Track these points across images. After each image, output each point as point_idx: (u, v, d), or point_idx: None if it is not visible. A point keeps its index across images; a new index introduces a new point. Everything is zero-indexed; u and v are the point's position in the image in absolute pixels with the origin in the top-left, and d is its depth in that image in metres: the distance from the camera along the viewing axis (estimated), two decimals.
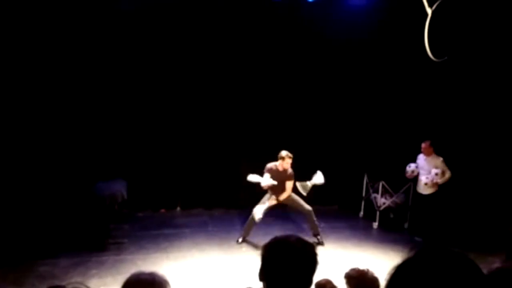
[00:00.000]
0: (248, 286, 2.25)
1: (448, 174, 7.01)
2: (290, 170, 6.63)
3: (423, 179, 7.12)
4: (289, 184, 6.63)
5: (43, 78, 6.91)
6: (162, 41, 7.60)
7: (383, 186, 8.03)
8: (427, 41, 5.39)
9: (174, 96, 7.86)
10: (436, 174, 7.03)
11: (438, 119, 7.85)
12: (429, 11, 5.34)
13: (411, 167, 7.38)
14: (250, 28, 7.92)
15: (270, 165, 6.69)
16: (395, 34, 7.92)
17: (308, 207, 6.72)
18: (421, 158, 7.33)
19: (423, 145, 7.21)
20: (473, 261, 0.93)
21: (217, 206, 8.33)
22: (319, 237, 6.77)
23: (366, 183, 8.48)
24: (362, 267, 2.96)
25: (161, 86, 7.78)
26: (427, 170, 7.16)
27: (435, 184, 7.05)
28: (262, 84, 8.22)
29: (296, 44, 8.20)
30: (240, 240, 6.74)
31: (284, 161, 6.55)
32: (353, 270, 2.93)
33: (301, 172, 6.92)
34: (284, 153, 6.58)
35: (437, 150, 7.22)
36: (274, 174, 6.57)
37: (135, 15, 7.27)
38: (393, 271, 0.96)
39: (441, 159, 7.07)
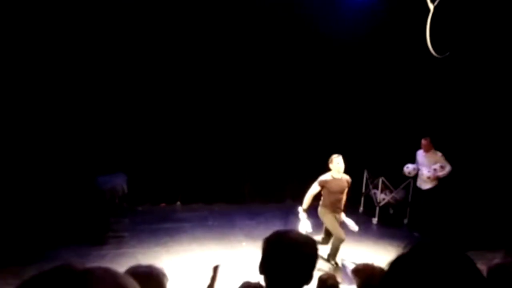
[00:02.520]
0: (246, 281, 2.26)
1: (448, 168, 7.08)
2: (345, 176, 5.91)
3: (425, 173, 7.14)
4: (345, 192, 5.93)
5: (44, 73, 6.89)
6: (161, 36, 7.58)
7: (383, 182, 8.04)
8: (429, 37, 5.37)
9: (175, 91, 7.86)
10: (435, 169, 7.08)
11: (438, 115, 7.84)
12: (431, 6, 5.32)
13: (408, 168, 7.38)
14: (250, 25, 7.91)
15: (324, 177, 5.85)
16: (397, 30, 7.89)
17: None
18: (420, 154, 7.36)
19: (423, 141, 7.23)
20: (468, 256, 0.93)
21: (218, 201, 8.34)
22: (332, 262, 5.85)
23: (366, 179, 8.48)
24: (367, 261, 2.99)
25: (161, 81, 7.77)
26: (427, 166, 7.19)
27: (436, 178, 7.11)
28: (262, 79, 8.22)
29: (297, 42, 8.18)
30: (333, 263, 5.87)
31: (332, 163, 5.80)
32: (359, 264, 2.96)
33: (303, 168, 6.92)
34: (333, 156, 5.90)
35: (437, 146, 7.23)
36: (333, 186, 5.81)
37: (136, 11, 7.24)
38: (388, 266, 0.96)
39: (440, 154, 7.14)
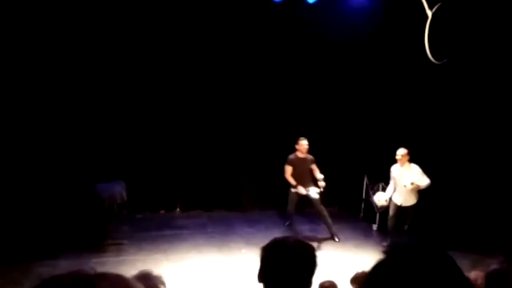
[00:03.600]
0: None
1: (427, 181, 6.53)
2: (310, 156, 7.03)
3: (404, 183, 6.43)
4: (314, 168, 7.01)
5: (44, 79, 6.91)
6: (163, 42, 7.61)
7: (383, 187, 8.02)
8: (427, 43, 5.40)
9: (174, 97, 7.87)
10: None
11: (439, 120, 7.83)
12: (429, 13, 5.35)
13: (380, 200, 6.84)
14: (250, 29, 7.93)
15: (290, 156, 6.99)
16: (395, 37, 7.92)
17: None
18: (396, 169, 6.69)
19: (401, 153, 6.50)
20: (448, 256, 0.92)
21: (217, 208, 8.32)
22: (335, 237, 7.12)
23: (366, 184, 8.47)
24: (364, 269, 2.97)
25: (161, 87, 7.78)
26: (404, 178, 6.53)
27: (416, 188, 6.50)
28: (262, 85, 8.23)
29: (297, 45, 8.20)
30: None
31: (299, 145, 6.91)
32: (357, 272, 2.94)
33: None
34: (300, 138, 6.99)
35: (438, 151, 7.14)
36: (296, 163, 6.92)
37: (136, 15, 7.27)
38: (369, 271, 0.96)
39: (417, 167, 6.57)
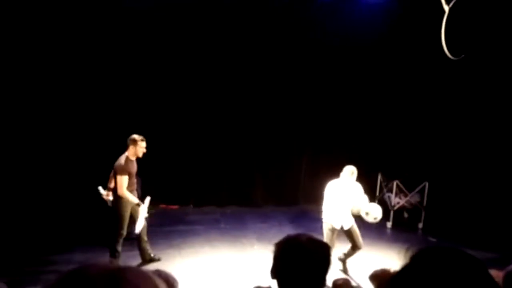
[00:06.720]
0: (257, 285, 2.24)
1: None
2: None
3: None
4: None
5: (54, 81, 6.99)
6: (169, 39, 7.62)
7: (397, 185, 7.95)
8: (444, 39, 5.30)
9: (188, 94, 7.90)
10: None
11: (453, 118, 7.72)
12: (446, 8, 5.25)
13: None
14: (262, 29, 7.92)
15: (122, 158, 5.29)
16: (411, 32, 7.82)
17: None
18: (339, 183, 5.55)
19: (351, 170, 5.53)
20: (476, 258, 0.90)
21: (230, 204, 8.35)
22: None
23: (380, 182, 8.40)
24: (386, 266, 2.93)
25: (173, 84, 7.81)
26: (349, 197, 5.62)
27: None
28: (276, 82, 8.22)
29: (309, 45, 8.16)
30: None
31: (137, 146, 5.30)
32: (376, 270, 2.90)
33: (316, 171, 6.85)
34: (136, 136, 5.34)
35: (457, 149, 7.04)
36: (131, 168, 5.35)
37: (153, 19, 7.28)
38: (396, 274, 0.94)
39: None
